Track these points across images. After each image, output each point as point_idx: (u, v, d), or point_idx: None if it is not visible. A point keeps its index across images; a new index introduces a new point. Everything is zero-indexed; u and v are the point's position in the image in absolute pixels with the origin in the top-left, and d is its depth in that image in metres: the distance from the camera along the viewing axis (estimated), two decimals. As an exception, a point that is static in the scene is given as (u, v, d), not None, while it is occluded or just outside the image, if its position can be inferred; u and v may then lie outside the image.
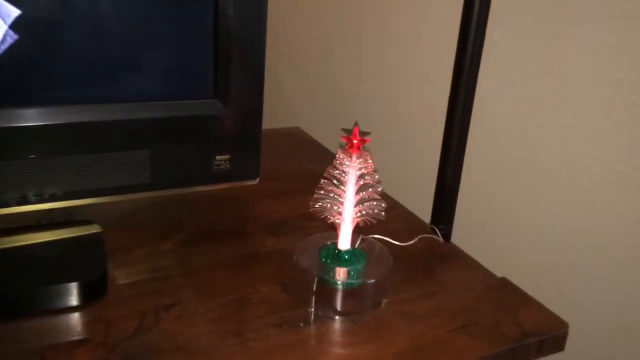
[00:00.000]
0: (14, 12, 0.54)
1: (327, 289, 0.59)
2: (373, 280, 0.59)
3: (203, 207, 0.77)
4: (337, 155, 0.58)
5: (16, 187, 0.58)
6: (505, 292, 0.64)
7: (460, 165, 0.82)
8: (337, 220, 0.60)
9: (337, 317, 0.58)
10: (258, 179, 0.71)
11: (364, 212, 0.59)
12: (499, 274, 0.68)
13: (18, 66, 0.55)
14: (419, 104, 0.93)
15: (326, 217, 0.60)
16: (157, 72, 0.63)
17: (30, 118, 0.58)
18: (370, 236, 0.66)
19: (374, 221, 0.59)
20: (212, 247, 0.69)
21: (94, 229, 0.65)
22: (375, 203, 0.59)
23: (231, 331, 0.55)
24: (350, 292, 0.59)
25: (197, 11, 0.62)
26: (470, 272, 0.68)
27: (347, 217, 0.59)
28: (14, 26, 0.54)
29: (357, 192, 0.59)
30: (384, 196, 0.60)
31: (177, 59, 0.63)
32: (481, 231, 0.84)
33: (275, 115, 1.36)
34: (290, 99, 1.33)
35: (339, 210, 0.59)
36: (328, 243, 0.63)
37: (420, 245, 0.72)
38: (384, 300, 0.61)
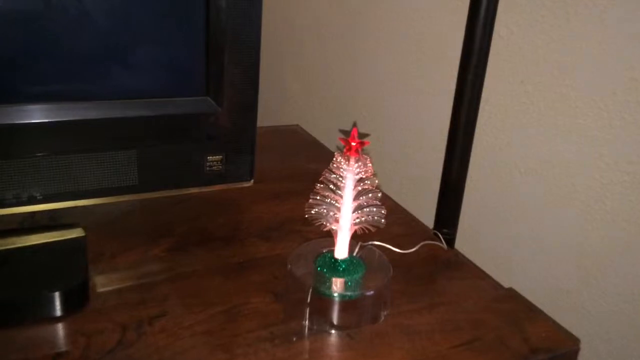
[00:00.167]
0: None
1: (322, 300, 0.55)
2: (372, 292, 0.56)
3: (194, 211, 0.73)
4: (334, 159, 0.54)
5: (-7, 190, 0.55)
6: (512, 304, 0.61)
7: (466, 165, 0.78)
8: (333, 228, 0.56)
9: (332, 331, 0.55)
10: (253, 180, 0.68)
11: (362, 219, 0.55)
12: (505, 284, 0.65)
13: (-7, 61, 0.52)
14: (423, 102, 0.89)
15: (322, 224, 0.56)
16: (145, 68, 0.59)
17: (9, 116, 0.54)
18: (370, 243, 0.63)
19: (373, 229, 0.56)
20: (203, 253, 0.65)
21: (76, 233, 0.61)
22: (374, 209, 0.55)
23: (219, 345, 0.52)
24: (347, 304, 0.56)
25: (187, 3, 0.58)
26: (475, 282, 0.64)
27: (344, 224, 0.55)
28: (-12, 18, 0.50)
29: (356, 198, 0.55)
30: (385, 199, 0.56)
31: (167, 54, 0.60)
32: (487, 237, 0.80)
33: (275, 112, 1.33)
34: (290, 96, 1.29)
35: (336, 217, 0.55)
36: (324, 251, 0.59)
37: (422, 253, 0.68)
38: (383, 313, 0.57)
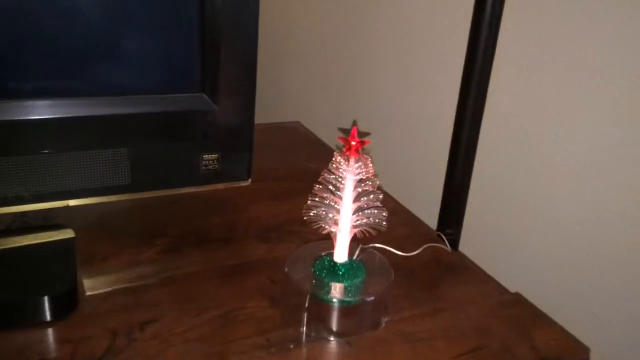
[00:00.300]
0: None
1: (320, 306, 0.53)
2: (372, 298, 0.53)
3: (189, 211, 0.71)
4: (333, 159, 0.52)
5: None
6: (519, 309, 0.58)
7: (471, 164, 0.76)
8: (333, 230, 0.54)
9: (331, 339, 0.53)
10: (250, 179, 0.66)
11: (362, 222, 0.53)
12: (511, 288, 0.62)
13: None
14: (427, 99, 0.87)
15: (321, 226, 0.53)
16: (138, 63, 0.57)
17: (-5, 113, 0.52)
18: (371, 245, 0.61)
19: (374, 232, 0.53)
20: (198, 255, 0.63)
21: (66, 234, 0.59)
22: (375, 211, 0.53)
23: (213, 353, 0.50)
24: (347, 310, 0.53)
25: (181, -5, 0.56)
26: (480, 286, 0.62)
27: (343, 226, 0.53)
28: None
29: (355, 200, 0.53)
30: (387, 199, 0.54)
31: (161, 49, 0.57)
32: (492, 238, 0.78)
33: (275, 109, 1.31)
34: (290, 91, 1.26)
35: (335, 219, 0.53)
36: (323, 254, 0.57)
37: (425, 255, 0.66)
38: (384, 320, 0.55)
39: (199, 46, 0.58)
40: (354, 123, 0.50)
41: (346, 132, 0.51)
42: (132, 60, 0.56)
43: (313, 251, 0.58)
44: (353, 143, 0.50)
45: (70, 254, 0.57)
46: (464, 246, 0.78)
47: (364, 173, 0.51)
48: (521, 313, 0.57)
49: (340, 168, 0.51)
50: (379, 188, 0.53)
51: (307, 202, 0.54)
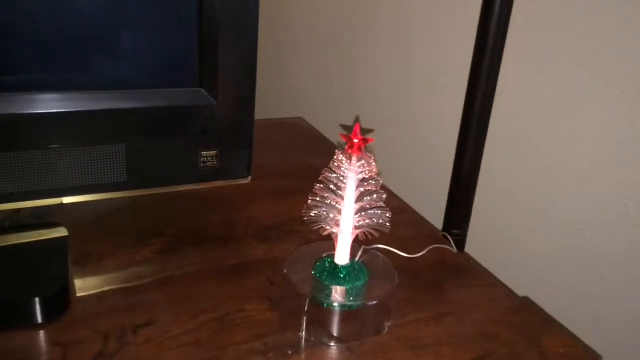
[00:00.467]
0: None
1: (321, 310, 0.51)
2: (375, 302, 0.51)
3: (187, 209, 0.69)
4: (334, 157, 0.50)
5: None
6: (528, 314, 0.56)
7: (479, 162, 0.74)
8: (334, 231, 0.52)
9: (331, 344, 0.51)
10: (250, 177, 0.64)
11: (365, 223, 0.51)
12: (520, 292, 0.60)
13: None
14: (433, 95, 0.84)
15: (322, 227, 0.51)
16: (134, 56, 0.55)
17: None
18: (374, 246, 0.58)
19: (377, 234, 0.51)
20: (195, 255, 0.61)
21: (59, 232, 0.58)
22: (378, 212, 0.51)
23: (209, 358, 0.48)
24: (348, 314, 0.51)
25: (179, -14, 0.54)
26: (487, 290, 0.59)
27: (345, 227, 0.51)
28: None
29: (358, 200, 0.50)
30: (391, 198, 0.51)
31: (157, 42, 0.55)
32: (500, 239, 0.76)
33: (277, 104, 1.28)
34: (293, 86, 1.24)
35: (337, 220, 0.51)
36: (324, 255, 0.55)
37: (430, 257, 0.63)
38: (387, 324, 0.53)
39: (197, 39, 0.56)
40: (357, 119, 0.47)
41: (348, 129, 0.49)
42: (128, 53, 0.54)
43: (314, 252, 0.56)
44: (355, 141, 0.47)
45: (63, 253, 0.56)
46: (471, 247, 0.76)
47: (366, 172, 0.49)
48: (530, 318, 0.55)
49: (342, 167, 0.49)
50: (383, 187, 0.51)
51: (308, 201, 0.52)
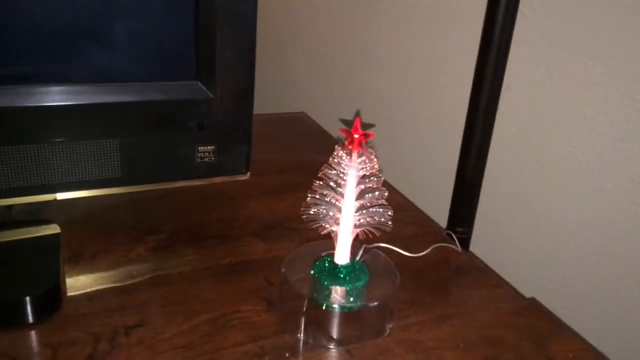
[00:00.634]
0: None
1: (319, 311, 0.49)
2: (376, 303, 0.49)
3: (183, 206, 0.67)
4: (334, 153, 0.48)
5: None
6: (535, 317, 0.54)
7: (484, 158, 0.72)
8: (333, 230, 0.50)
9: (330, 347, 0.49)
10: (249, 173, 0.62)
11: (365, 221, 0.49)
12: (526, 293, 0.58)
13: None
14: (437, 89, 0.82)
15: (321, 225, 0.50)
16: (127, 48, 0.53)
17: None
18: (375, 245, 0.56)
19: (378, 232, 0.49)
20: (191, 253, 0.59)
21: (51, 229, 0.56)
22: (380, 210, 0.49)
23: (202, 361, 0.46)
24: (348, 315, 0.49)
25: (174, -26, 0.52)
26: (492, 290, 0.58)
27: (345, 226, 0.49)
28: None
29: (358, 197, 0.48)
30: (394, 194, 0.49)
31: (151, 33, 0.53)
32: (505, 238, 0.74)
33: (278, 98, 1.26)
34: (295, 80, 1.22)
35: (336, 218, 0.49)
36: (323, 254, 0.53)
37: (433, 256, 0.61)
38: (388, 326, 0.51)
39: (193, 30, 0.54)
40: (357, 113, 0.45)
41: (348, 123, 0.47)
42: (121, 44, 0.53)
43: (313, 251, 0.54)
44: (356, 136, 0.46)
45: (55, 251, 0.54)
46: (476, 246, 0.74)
47: (367, 168, 0.47)
48: (536, 321, 0.53)
49: (342, 163, 0.47)
50: (384, 184, 0.49)
51: (307, 198, 0.50)
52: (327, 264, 0.52)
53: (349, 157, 0.47)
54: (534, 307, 0.56)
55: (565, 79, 0.64)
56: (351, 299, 0.50)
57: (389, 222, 0.49)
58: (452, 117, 0.77)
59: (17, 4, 0.47)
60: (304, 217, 0.50)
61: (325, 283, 0.50)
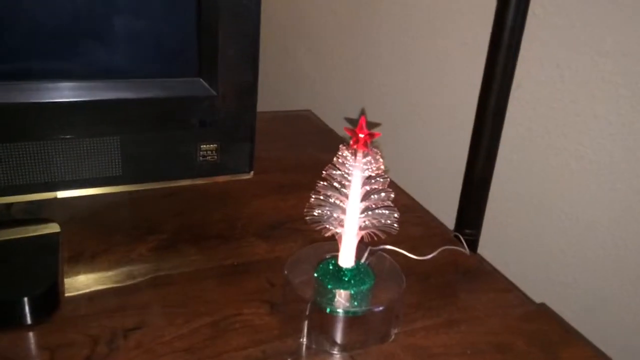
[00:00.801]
0: None
1: (323, 315, 0.48)
2: (381, 308, 0.48)
3: (185, 205, 0.66)
4: (339, 152, 0.46)
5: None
6: (544, 323, 0.53)
7: (493, 158, 0.71)
8: (338, 231, 0.48)
9: (334, 352, 0.48)
10: (252, 172, 0.61)
11: (371, 223, 0.48)
12: (536, 298, 0.57)
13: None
14: (445, 87, 0.81)
15: (325, 227, 0.48)
16: (128, 44, 0.52)
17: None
18: (381, 247, 0.55)
19: (383, 235, 0.48)
20: (193, 253, 0.58)
21: (51, 228, 0.55)
22: (385, 212, 0.47)
23: (202, 365, 0.45)
24: (352, 320, 0.48)
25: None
26: (501, 295, 0.56)
27: (349, 228, 0.48)
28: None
29: (363, 198, 0.47)
30: (400, 195, 0.48)
31: (153, 29, 0.52)
32: (515, 240, 0.72)
33: (284, 96, 1.25)
34: (302, 77, 1.21)
35: (341, 219, 0.48)
36: (327, 257, 0.51)
37: (441, 259, 0.60)
38: (394, 331, 0.50)
39: (195, 25, 0.53)
40: (362, 112, 0.44)
41: (353, 122, 0.45)
42: (122, 40, 0.52)
43: (316, 252, 0.53)
44: (361, 135, 0.44)
45: (54, 250, 0.53)
46: (484, 248, 0.72)
47: (373, 169, 0.46)
48: (546, 327, 0.52)
49: (347, 163, 0.46)
50: (390, 185, 0.47)
51: (311, 199, 0.48)
52: (331, 267, 0.50)
53: (353, 157, 0.46)
54: (543, 313, 0.54)
55: (576, 77, 0.62)
56: (356, 303, 0.48)
57: (395, 225, 0.47)
58: (461, 116, 0.76)
59: (20, 3, 0.46)
60: (307, 218, 0.48)
61: (329, 286, 0.49)
